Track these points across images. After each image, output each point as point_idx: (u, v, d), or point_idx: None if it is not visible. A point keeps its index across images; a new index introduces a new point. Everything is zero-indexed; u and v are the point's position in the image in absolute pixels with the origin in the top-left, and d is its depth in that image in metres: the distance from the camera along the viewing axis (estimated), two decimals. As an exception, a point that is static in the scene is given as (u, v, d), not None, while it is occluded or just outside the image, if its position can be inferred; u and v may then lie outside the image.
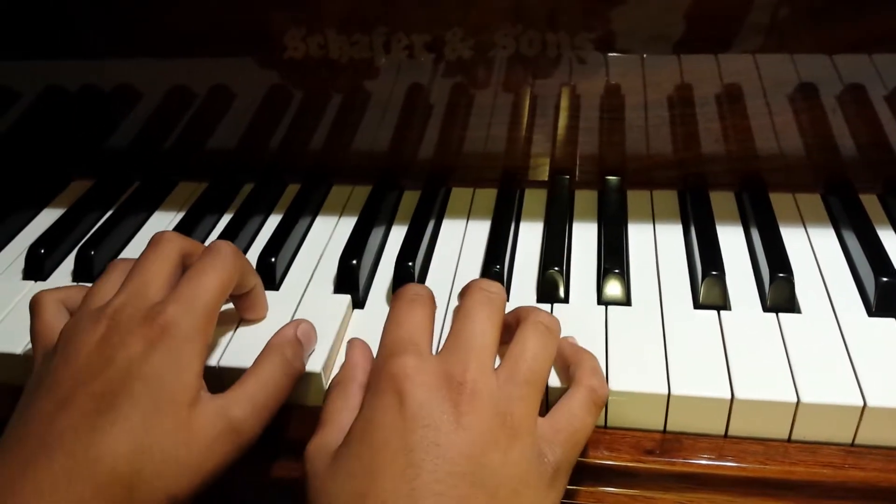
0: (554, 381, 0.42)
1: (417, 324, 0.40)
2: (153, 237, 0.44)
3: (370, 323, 0.49)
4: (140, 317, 0.39)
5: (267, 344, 0.44)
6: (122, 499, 0.35)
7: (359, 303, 0.51)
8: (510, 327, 0.43)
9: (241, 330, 0.48)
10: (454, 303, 0.48)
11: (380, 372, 0.38)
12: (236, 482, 0.41)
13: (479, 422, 0.36)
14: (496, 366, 0.39)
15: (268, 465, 0.44)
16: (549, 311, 0.48)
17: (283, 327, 0.45)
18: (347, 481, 0.35)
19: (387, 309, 0.50)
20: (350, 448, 0.36)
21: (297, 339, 0.44)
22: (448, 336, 0.40)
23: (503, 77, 0.58)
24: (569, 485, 0.42)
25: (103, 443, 0.36)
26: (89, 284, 0.45)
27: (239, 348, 0.46)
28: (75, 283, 0.48)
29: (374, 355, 0.43)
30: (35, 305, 0.44)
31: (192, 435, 0.37)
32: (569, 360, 0.42)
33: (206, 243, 0.45)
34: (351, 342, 0.45)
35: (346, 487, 0.35)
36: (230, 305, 0.49)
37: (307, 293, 0.51)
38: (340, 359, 0.46)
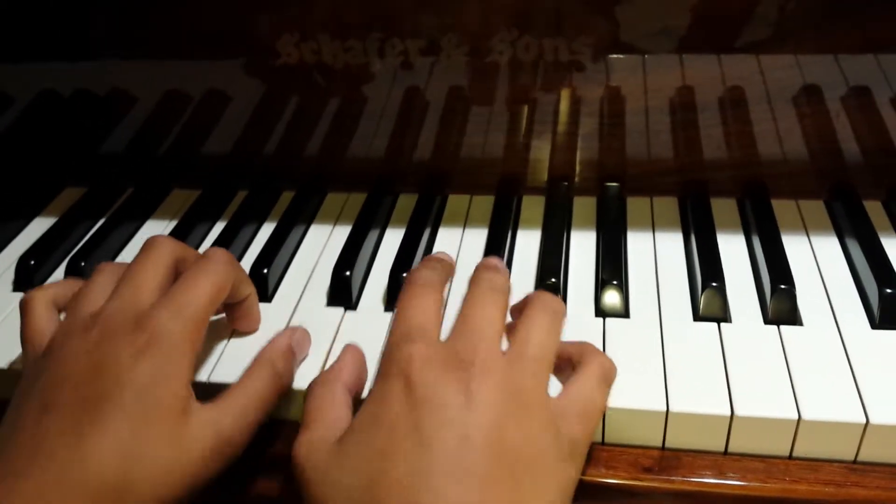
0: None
1: (426, 309, 0.40)
2: (146, 241, 0.44)
3: (362, 326, 0.48)
4: (130, 324, 0.39)
5: (259, 354, 0.43)
6: (110, 502, 0.35)
7: (352, 307, 0.51)
8: (518, 311, 0.42)
9: (233, 343, 0.47)
10: (451, 312, 0.47)
11: (389, 359, 0.37)
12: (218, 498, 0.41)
13: (491, 397, 0.35)
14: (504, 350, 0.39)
15: (250, 480, 0.43)
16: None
17: (276, 336, 0.44)
18: (357, 467, 0.34)
19: (380, 314, 0.50)
20: (357, 435, 0.35)
21: (289, 349, 0.43)
22: (455, 323, 0.39)
23: (500, 82, 0.57)
24: (565, 503, 0.41)
25: (92, 450, 0.35)
26: (78, 281, 0.44)
27: (230, 363, 0.45)
28: (66, 280, 0.47)
29: (366, 361, 0.43)
30: (25, 306, 0.43)
31: (183, 444, 0.37)
32: (571, 353, 0.41)
33: (200, 251, 0.45)
34: (346, 347, 0.44)
35: (357, 471, 0.34)
36: (222, 316, 0.48)
37: (300, 305, 0.51)
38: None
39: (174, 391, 0.38)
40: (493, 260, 0.44)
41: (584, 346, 0.42)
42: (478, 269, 0.43)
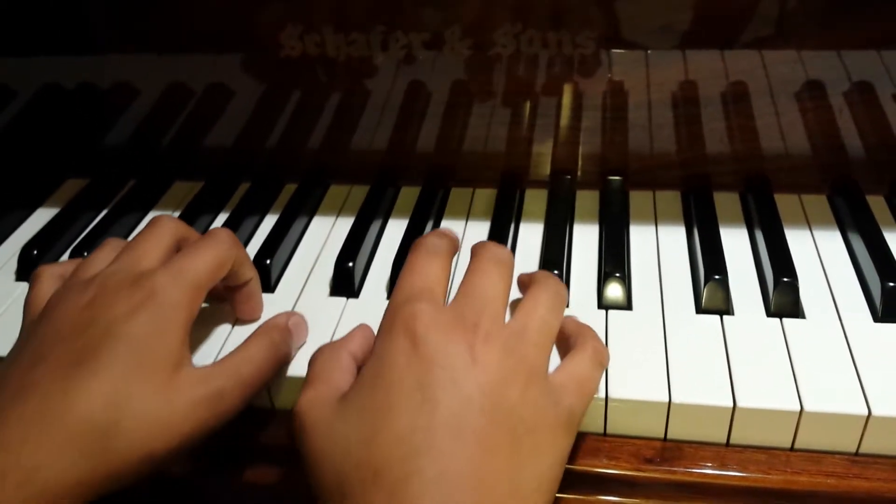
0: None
1: (434, 274, 0.39)
2: (151, 220, 0.44)
3: (364, 315, 0.47)
4: (128, 283, 0.39)
5: (257, 328, 0.43)
6: (97, 448, 0.35)
7: (354, 295, 0.51)
8: (523, 285, 0.43)
9: (236, 332, 0.47)
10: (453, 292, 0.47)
11: (393, 316, 0.37)
12: (211, 487, 0.41)
13: (495, 360, 0.35)
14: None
15: (242, 469, 0.44)
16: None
17: (275, 315, 0.45)
18: (359, 420, 0.34)
19: (382, 302, 0.50)
20: (361, 390, 0.35)
21: (287, 327, 0.44)
22: (459, 289, 0.39)
23: (503, 76, 0.57)
24: (567, 493, 0.41)
25: (80, 390, 0.35)
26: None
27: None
28: (77, 259, 0.47)
29: (373, 335, 0.42)
30: (33, 278, 0.44)
31: (174, 395, 0.37)
32: (570, 333, 0.42)
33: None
34: (358, 325, 0.43)
35: (358, 425, 0.34)
36: (225, 307, 0.48)
37: (303, 295, 0.51)
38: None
39: (169, 347, 0.38)
40: (496, 244, 0.44)
41: (581, 328, 0.42)
42: (480, 244, 0.42)
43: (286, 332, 0.43)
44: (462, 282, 0.39)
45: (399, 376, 0.34)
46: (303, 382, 0.38)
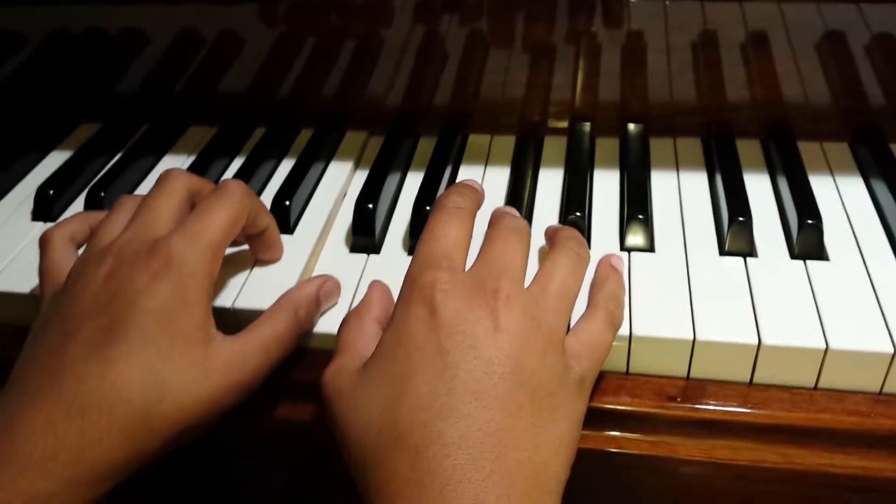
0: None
1: (454, 238, 0.39)
2: (161, 174, 0.43)
3: (386, 269, 0.48)
4: (144, 251, 0.38)
5: (285, 295, 0.43)
6: (138, 428, 0.35)
7: (375, 248, 0.50)
8: (549, 238, 0.43)
9: (256, 271, 0.47)
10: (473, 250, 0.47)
11: (412, 284, 0.37)
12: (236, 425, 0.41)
13: (515, 325, 0.35)
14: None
15: (271, 406, 0.44)
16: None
17: (306, 281, 0.44)
18: (380, 388, 0.34)
19: (403, 255, 0.49)
20: (381, 359, 0.36)
21: (315, 299, 0.43)
22: (477, 257, 0.39)
23: (522, 21, 0.56)
24: (590, 430, 0.41)
25: (116, 372, 0.35)
26: (95, 212, 0.45)
27: (254, 290, 0.45)
28: (81, 213, 0.47)
29: (394, 298, 0.43)
30: (44, 243, 0.44)
31: (209, 374, 0.37)
32: (597, 281, 0.42)
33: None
34: (372, 283, 0.44)
35: (379, 394, 0.34)
36: (246, 247, 0.48)
37: (322, 237, 0.50)
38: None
39: (194, 319, 0.38)
40: (511, 208, 0.44)
41: (606, 280, 0.42)
42: (496, 212, 0.43)
43: (312, 305, 0.43)
44: (480, 250, 0.39)
45: (419, 344, 0.35)
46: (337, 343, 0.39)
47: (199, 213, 0.40)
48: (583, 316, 0.40)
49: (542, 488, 0.33)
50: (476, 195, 0.43)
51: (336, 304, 0.46)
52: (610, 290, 0.42)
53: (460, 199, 0.41)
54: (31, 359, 0.37)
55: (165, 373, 0.36)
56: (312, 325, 0.44)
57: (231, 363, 0.38)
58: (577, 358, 0.37)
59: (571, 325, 0.40)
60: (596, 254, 0.47)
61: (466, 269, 0.39)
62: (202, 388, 0.37)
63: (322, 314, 0.45)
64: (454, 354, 0.34)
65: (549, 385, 0.35)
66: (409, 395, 0.33)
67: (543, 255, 0.46)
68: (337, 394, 0.36)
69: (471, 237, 0.40)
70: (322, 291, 0.44)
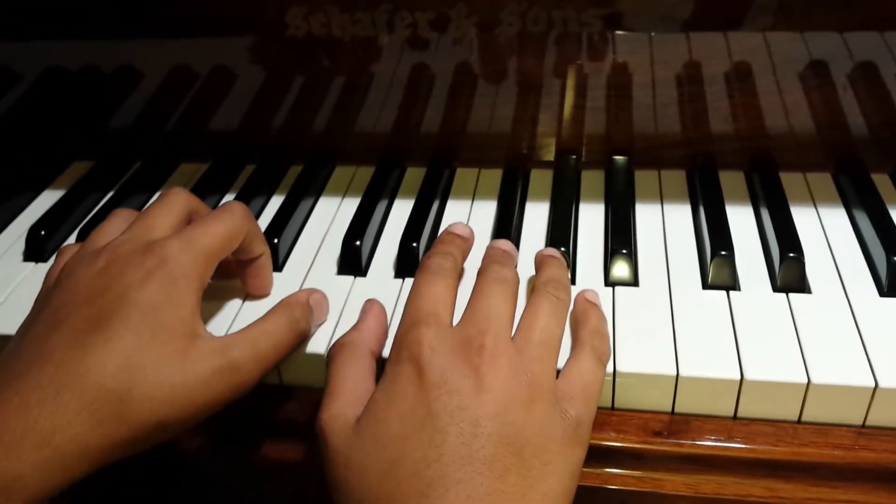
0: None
1: (438, 296, 0.40)
2: (163, 192, 0.45)
3: (372, 292, 0.48)
4: (140, 250, 0.39)
5: (278, 302, 0.43)
6: (109, 413, 0.35)
7: (361, 274, 0.51)
8: (538, 266, 0.45)
9: (246, 308, 0.47)
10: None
11: (400, 343, 0.38)
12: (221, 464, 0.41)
13: (500, 382, 0.36)
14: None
15: (257, 446, 0.44)
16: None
17: (297, 291, 0.45)
18: (376, 452, 0.35)
19: (388, 280, 0.50)
20: (376, 422, 0.36)
21: (307, 303, 0.44)
22: (465, 312, 0.40)
23: (508, 55, 0.57)
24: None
25: (93, 357, 0.36)
26: None
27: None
28: None
29: (387, 319, 0.44)
30: (58, 252, 0.45)
31: (188, 364, 0.37)
32: (578, 317, 0.43)
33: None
34: (368, 304, 0.44)
35: (374, 459, 0.35)
36: (234, 285, 0.48)
37: (311, 274, 0.51)
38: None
39: (180, 314, 0.38)
40: (501, 247, 0.45)
41: (587, 316, 0.43)
42: (485, 260, 0.44)
43: (306, 308, 0.44)
44: (469, 302, 0.40)
45: (410, 406, 0.35)
46: (325, 390, 0.39)
47: (199, 223, 0.42)
48: (570, 357, 0.41)
49: None
50: (462, 245, 0.45)
51: (324, 322, 0.46)
52: (592, 326, 0.42)
53: (441, 260, 0.43)
54: (18, 345, 0.38)
55: (142, 361, 0.36)
56: (309, 327, 0.44)
57: (211, 354, 0.38)
58: (570, 401, 0.37)
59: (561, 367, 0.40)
60: (582, 287, 0.47)
61: (455, 322, 0.39)
62: (178, 380, 0.37)
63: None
64: (443, 418, 0.35)
65: (538, 439, 0.35)
66: (404, 461, 0.34)
67: (532, 287, 0.46)
68: (333, 450, 0.36)
69: (454, 293, 0.42)
70: (312, 299, 0.44)
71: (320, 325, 0.45)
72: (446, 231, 0.46)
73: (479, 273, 0.43)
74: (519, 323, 0.40)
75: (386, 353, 0.42)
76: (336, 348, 0.41)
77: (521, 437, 0.35)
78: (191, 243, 0.40)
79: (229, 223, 0.42)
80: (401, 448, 0.35)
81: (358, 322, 0.43)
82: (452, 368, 0.36)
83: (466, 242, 0.46)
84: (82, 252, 0.42)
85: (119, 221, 0.44)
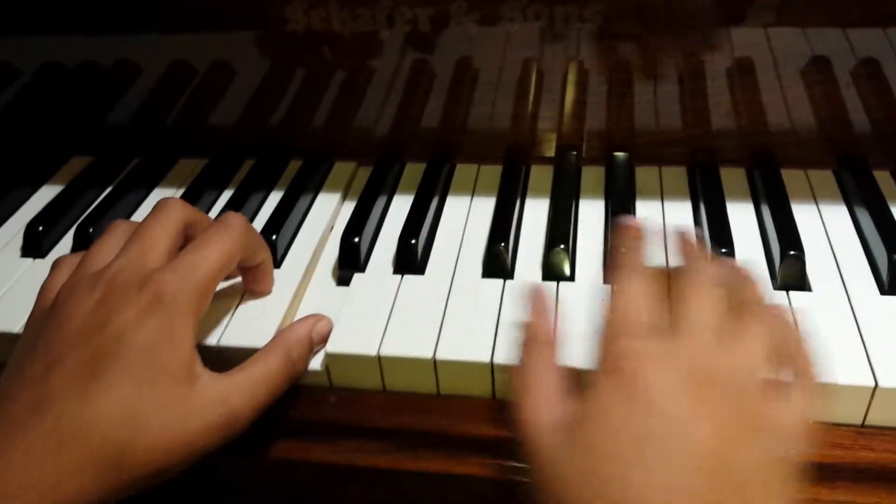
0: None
1: (639, 296, 0.37)
2: (157, 203, 0.43)
3: (370, 288, 0.48)
4: (135, 284, 0.38)
5: (278, 335, 0.43)
6: (110, 465, 0.35)
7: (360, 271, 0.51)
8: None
9: (242, 308, 0.47)
10: (457, 281, 0.48)
11: (608, 352, 0.35)
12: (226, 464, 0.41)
13: (716, 412, 0.33)
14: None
15: (265, 446, 0.44)
16: (555, 289, 0.47)
17: (298, 322, 0.44)
18: (583, 465, 0.33)
19: (387, 276, 0.50)
20: (583, 429, 0.34)
21: (308, 339, 0.44)
22: (671, 318, 0.36)
23: (509, 51, 0.56)
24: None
25: (96, 408, 0.35)
26: None
27: (239, 328, 0.46)
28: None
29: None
30: (53, 265, 0.44)
31: (188, 414, 0.37)
32: (791, 357, 0.37)
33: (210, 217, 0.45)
34: (534, 293, 0.40)
35: (583, 472, 0.33)
36: (234, 282, 0.48)
37: (309, 271, 0.51)
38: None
39: (179, 357, 0.38)
40: (692, 234, 0.42)
41: (798, 353, 0.37)
42: (688, 261, 0.40)
43: (305, 346, 0.43)
44: (673, 309, 0.36)
45: (621, 422, 0.33)
46: (516, 389, 0.37)
47: (194, 249, 0.41)
48: (793, 392, 0.35)
49: None
50: (638, 236, 0.41)
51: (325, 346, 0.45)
52: (806, 361, 0.37)
53: (630, 256, 0.39)
54: (15, 387, 0.37)
55: (144, 410, 0.36)
56: (305, 366, 0.44)
57: (213, 403, 0.38)
58: (789, 440, 0.34)
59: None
60: (581, 284, 0.47)
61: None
62: (179, 430, 0.37)
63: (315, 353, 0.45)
64: (651, 444, 0.32)
65: (756, 479, 0.32)
66: (613, 483, 0.32)
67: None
68: (538, 450, 0.34)
69: (656, 295, 0.37)
70: (314, 332, 0.44)
71: (321, 348, 0.45)
72: (622, 226, 0.42)
73: (681, 270, 0.38)
74: (734, 347, 0.35)
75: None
76: (523, 347, 0.38)
77: (738, 475, 0.32)
78: (187, 276, 0.39)
79: (227, 245, 0.41)
80: (608, 464, 0.32)
81: (533, 318, 0.39)
82: (667, 390, 0.33)
83: (642, 236, 0.41)
84: (78, 276, 0.40)
85: (115, 238, 0.43)
